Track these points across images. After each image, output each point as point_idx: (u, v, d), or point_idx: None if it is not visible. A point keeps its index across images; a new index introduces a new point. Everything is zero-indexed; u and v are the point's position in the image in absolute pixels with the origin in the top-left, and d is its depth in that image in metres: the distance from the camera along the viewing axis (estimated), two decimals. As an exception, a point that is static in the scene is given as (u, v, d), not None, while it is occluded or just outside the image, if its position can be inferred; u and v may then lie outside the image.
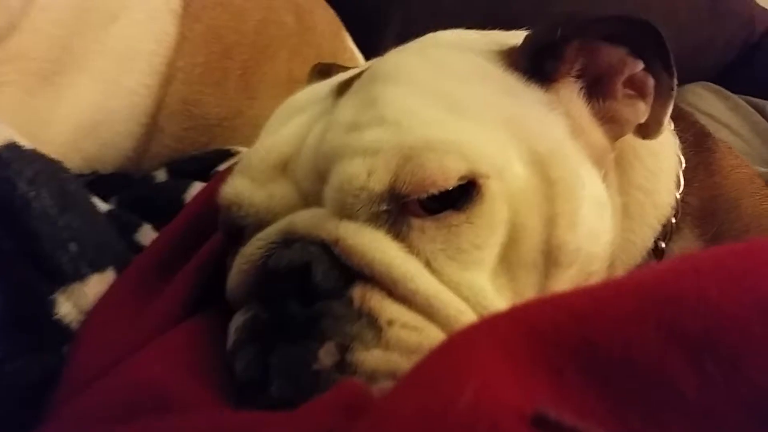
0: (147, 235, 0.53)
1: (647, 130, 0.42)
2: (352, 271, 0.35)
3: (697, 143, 0.50)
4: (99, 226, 0.45)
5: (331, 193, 0.37)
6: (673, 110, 0.52)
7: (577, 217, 0.38)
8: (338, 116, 0.39)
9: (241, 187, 0.40)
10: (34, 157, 0.43)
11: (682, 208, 0.47)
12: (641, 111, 0.42)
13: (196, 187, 0.60)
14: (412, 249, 0.36)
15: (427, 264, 0.36)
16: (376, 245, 0.36)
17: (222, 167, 0.67)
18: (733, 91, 1.01)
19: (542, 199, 0.38)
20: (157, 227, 0.54)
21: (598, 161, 0.42)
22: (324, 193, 0.37)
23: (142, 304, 0.43)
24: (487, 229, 0.36)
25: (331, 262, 0.36)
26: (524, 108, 0.40)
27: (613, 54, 0.41)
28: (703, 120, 0.94)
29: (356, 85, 0.42)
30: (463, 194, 0.36)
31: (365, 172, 0.36)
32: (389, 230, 0.36)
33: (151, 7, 0.64)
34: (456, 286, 0.36)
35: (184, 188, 0.60)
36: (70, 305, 0.42)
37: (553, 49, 0.41)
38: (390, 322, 0.35)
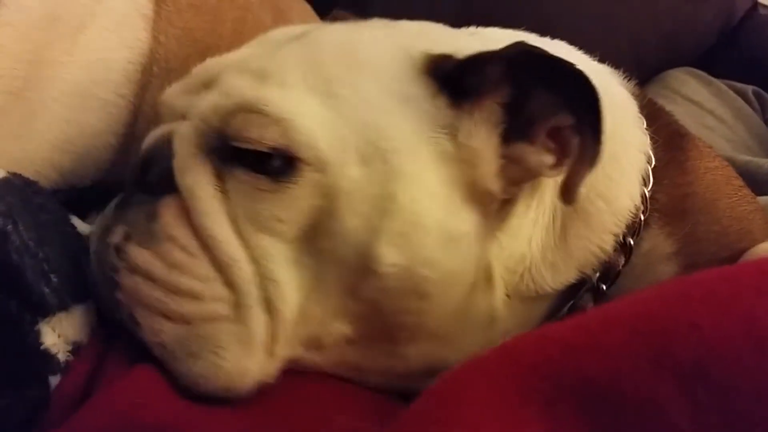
0: (129, 254, 0.52)
1: (565, 194, 0.41)
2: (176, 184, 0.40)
3: (668, 143, 0.50)
4: (79, 256, 0.44)
5: (191, 115, 0.42)
6: (649, 108, 0.52)
7: (407, 239, 0.38)
8: (249, 57, 0.44)
9: (172, 91, 0.47)
10: (6, 188, 0.42)
11: (650, 204, 0.47)
12: (545, 164, 0.40)
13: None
14: (226, 194, 0.40)
15: (234, 215, 0.39)
16: (193, 173, 0.40)
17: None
18: (714, 75, 1.01)
19: (372, 208, 0.38)
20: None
21: (478, 197, 0.41)
22: None
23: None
24: (291, 207, 0.38)
25: (166, 170, 0.41)
26: (403, 119, 0.40)
27: (544, 98, 0.39)
28: (686, 106, 0.95)
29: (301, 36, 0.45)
30: (283, 168, 0.39)
31: (210, 108, 0.40)
32: (217, 168, 0.40)
33: (120, 13, 0.62)
34: (249, 244, 0.39)
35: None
36: (55, 336, 0.41)
37: (476, 65, 0.40)
38: (170, 238, 0.39)
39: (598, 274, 0.46)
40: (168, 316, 0.38)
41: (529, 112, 0.40)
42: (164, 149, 0.42)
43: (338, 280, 0.39)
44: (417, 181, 0.39)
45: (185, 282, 0.38)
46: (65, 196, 0.58)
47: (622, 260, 0.46)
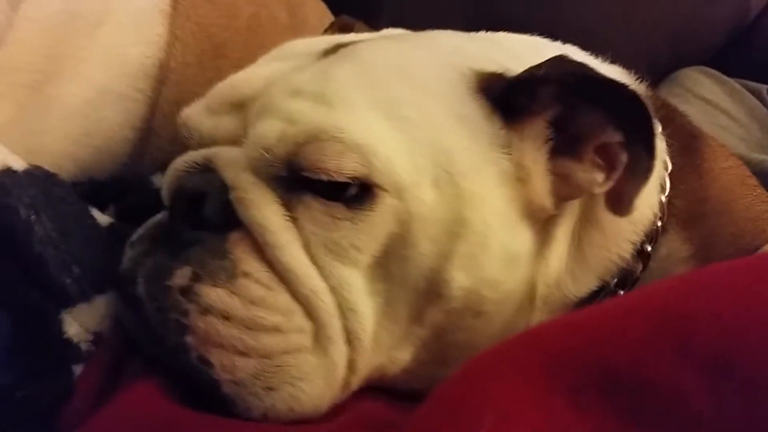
0: (148, 247, 0.53)
1: (617, 206, 0.41)
2: (239, 218, 0.39)
3: (684, 147, 0.50)
4: (99, 248, 0.45)
5: (248, 144, 0.40)
6: (663, 111, 0.51)
7: (475, 261, 0.39)
8: (295, 78, 0.41)
9: (195, 112, 0.44)
10: (29, 181, 0.43)
11: (668, 209, 0.47)
12: (596, 182, 0.41)
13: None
14: (296, 222, 0.38)
15: (306, 244, 0.38)
16: (260, 206, 0.38)
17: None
18: (728, 74, 1.01)
19: (444, 232, 0.38)
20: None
21: (533, 215, 0.41)
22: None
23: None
24: (368, 235, 0.38)
25: (224, 203, 0.39)
26: (467, 140, 0.39)
27: (592, 117, 0.40)
28: (700, 105, 0.95)
29: (338, 54, 0.43)
30: (359, 195, 0.38)
31: (276, 137, 0.38)
32: (283, 196, 0.39)
33: (138, 8, 0.62)
34: (326, 274, 0.38)
35: (182, 194, 0.60)
36: (77, 325, 0.42)
37: (528, 85, 0.40)
38: (246, 274, 0.37)
39: (616, 280, 0.46)
40: (244, 353, 0.36)
41: (577, 129, 0.40)
42: (213, 181, 0.40)
43: (406, 305, 0.39)
44: (485, 203, 0.39)
45: (266, 316, 0.37)
46: (83, 189, 0.59)
47: (639, 267, 0.46)
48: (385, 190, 0.37)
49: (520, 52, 0.46)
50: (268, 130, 0.39)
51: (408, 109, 0.39)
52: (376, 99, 0.39)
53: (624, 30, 1.04)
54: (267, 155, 0.38)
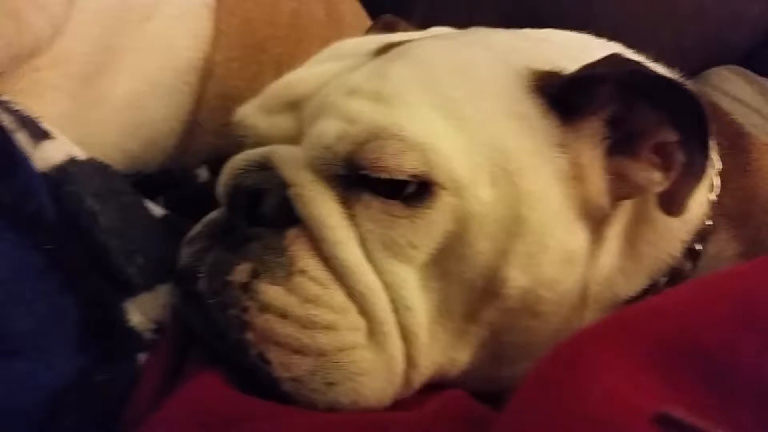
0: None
1: (670, 206, 0.41)
2: (297, 215, 0.39)
3: (732, 146, 0.50)
4: (158, 238, 0.45)
5: (307, 143, 0.40)
6: (710, 109, 0.51)
7: (532, 260, 0.39)
8: (351, 77, 0.41)
9: (251, 112, 0.45)
10: (92, 170, 0.44)
11: (718, 208, 0.47)
12: (654, 181, 0.41)
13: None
14: (354, 220, 0.39)
15: (363, 241, 0.38)
16: (318, 203, 0.39)
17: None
18: (759, 74, 1.00)
19: (502, 231, 0.38)
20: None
21: (589, 214, 0.41)
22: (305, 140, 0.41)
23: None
24: (426, 233, 0.38)
25: (282, 200, 0.39)
26: (524, 139, 0.39)
27: (650, 115, 0.40)
28: (731, 104, 0.94)
29: (392, 53, 0.43)
30: (417, 193, 0.38)
31: (336, 136, 0.38)
32: (342, 194, 0.39)
33: (185, 2, 0.63)
34: (381, 270, 0.38)
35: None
36: (140, 314, 0.42)
37: (586, 84, 0.40)
38: (302, 271, 0.38)
39: (666, 279, 0.46)
40: (300, 351, 0.37)
41: (633, 128, 0.40)
42: (271, 178, 0.40)
43: (462, 303, 0.39)
44: (543, 201, 0.39)
45: (320, 315, 0.37)
46: (133, 181, 0.59)
47: (689, 265, 0.46)
48: (444, 188, 0.38)
49: (572, 50, 0.46)
50: (328, 129, 0.39)
51: (465, 108, 0.39)
52: (433, 97, 0.39)
53: (654, 29, 1.04)
54: (327, 154, 0.39)
